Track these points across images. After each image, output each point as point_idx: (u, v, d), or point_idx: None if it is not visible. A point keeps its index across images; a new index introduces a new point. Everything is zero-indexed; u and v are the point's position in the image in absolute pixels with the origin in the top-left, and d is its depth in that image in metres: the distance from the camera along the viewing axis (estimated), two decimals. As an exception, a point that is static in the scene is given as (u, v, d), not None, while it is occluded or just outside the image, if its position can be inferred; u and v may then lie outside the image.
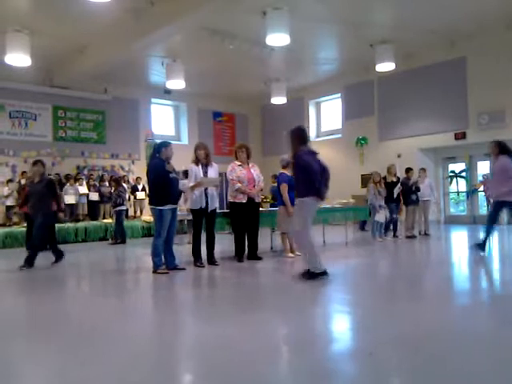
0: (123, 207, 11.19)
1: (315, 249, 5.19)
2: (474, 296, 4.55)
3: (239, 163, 6.96)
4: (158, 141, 7.42)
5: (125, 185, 13.27)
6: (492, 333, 3.16)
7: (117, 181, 11.67)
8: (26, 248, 9.06)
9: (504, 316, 3.62)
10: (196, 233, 6.61)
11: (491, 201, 7.41)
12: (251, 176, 6.94)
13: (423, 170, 11.01)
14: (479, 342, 2.96)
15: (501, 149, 6.81)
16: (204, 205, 6.46)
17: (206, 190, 6.46)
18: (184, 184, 6.69)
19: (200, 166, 6.52)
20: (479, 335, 3.09)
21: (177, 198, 6.26)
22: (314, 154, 5.40)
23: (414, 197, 10.14)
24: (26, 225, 10.31)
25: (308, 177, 5.14)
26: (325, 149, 17.25)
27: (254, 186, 6.93)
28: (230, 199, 6.95)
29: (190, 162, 6.66)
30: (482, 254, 6.88)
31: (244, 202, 6.81)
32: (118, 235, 11.07)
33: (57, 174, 13.88)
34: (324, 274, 5.13)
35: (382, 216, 9.44)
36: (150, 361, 2.77)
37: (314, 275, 5.11)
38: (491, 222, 6.90)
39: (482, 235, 7.12)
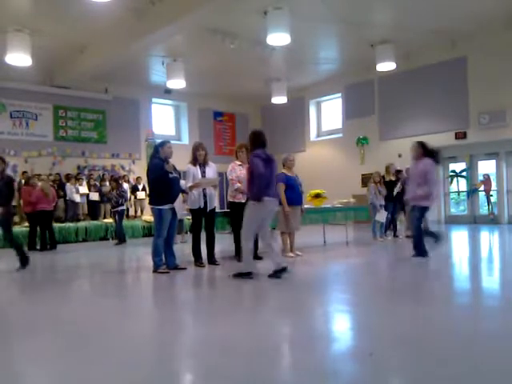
0: (124, 207, 11.28)
1: (250, 255, 5.43)
2: (474, 296, 4.55)
3: (239, 163, 6.97)
4: (159, 140, 7.43)
5: (125, 184, 13.29)
6: (494, 333, 3.15)
7: (116, 180, 11.68)
8: (28, 248, 9.08)
9: (506, 316, 3.62)
10: (196, 233, 6.62)
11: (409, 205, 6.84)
12: (251, 176, 6.95)
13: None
14: (480, 342, 2.96)
15: (425, 151, 6.44)
16: (203, 205, 6.47)
17: (204, 189, 6.46)
18: (183, 184, 6.69)
19: (198, 166, 6.53)
20: (480, 335, 3.09)
21: (177, 197, 6.26)
22: (267, 159, 5.35)
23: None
24: (27, 225, 10.33)
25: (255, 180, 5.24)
26: (325, 148, 17.35)
27: (254, 186, 6.94)
28: (230, 199, 6.96)
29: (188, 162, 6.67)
30: (423, 259, 6.53)
31: (243, 201, 6.81)
32: (121, 235, 11.11)
33: (57, 173, 13.89)
34: (250, 274, 5.36)
35: (382, 216, 9.45)
36: (150, 360, 2.78)
37: (241, 274, 5.35)
38: (418, 229, 6.54)
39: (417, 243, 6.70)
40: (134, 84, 15.76)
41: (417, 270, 6.29)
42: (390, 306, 4.02)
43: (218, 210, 6.95)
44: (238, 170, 6.88)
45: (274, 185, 5.50)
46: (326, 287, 5.03)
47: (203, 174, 6.50)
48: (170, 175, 5.99)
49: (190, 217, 9.78)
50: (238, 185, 6.78)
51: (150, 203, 6.16)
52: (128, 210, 13.11)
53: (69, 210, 12.93)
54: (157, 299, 4.93)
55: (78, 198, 12.86)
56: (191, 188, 6.41)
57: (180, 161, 6.71)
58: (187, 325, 3.74)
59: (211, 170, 6.62)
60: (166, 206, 5.98)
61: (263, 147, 5.46)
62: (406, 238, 9.79)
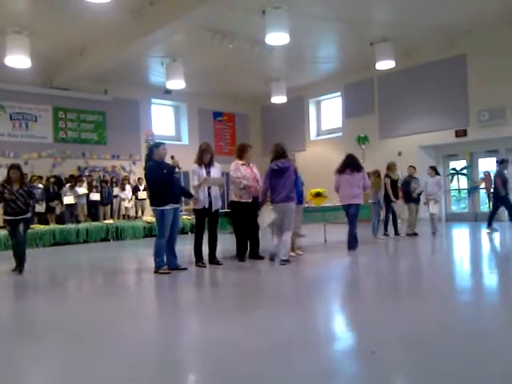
0: (30, 214, 6.97)
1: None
2: (476, 293, 4.54)
3: (242, 162, 6.95)
4: (158, 141, 7.43)
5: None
6: (495, 330, 3.15)
7: (19, 168, 6.89)
8: None
9: (507, 313, 3.62)
10: (198, 233, 6.61)
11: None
12: (254, 175, 6.95)
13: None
14: (482, 339, 2.95)
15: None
16: (207, 205, 6.47)
17: (209, 189, 6.47)
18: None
19: (203, 166, 6.54)
20: (482, 333, 3.08)
21: (178, 197, 6.26)
22: (278, 169, 6.41)
23: (414, 195, 10.16)
24: None
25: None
26: (325, 147, 17.32)
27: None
28: (235, 198, 6.87)
29: (190, 162, 6.66)
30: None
31: (250, 201, 6.79)
32: (23, 256, 6.80)
33: (54, 175, 13.80)
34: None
35: (383, 213, 9.46)
36: (152, 360, 2.77)
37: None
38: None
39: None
40: (133, 85, 15.74)
41: (417, 267, 6.29)
42: (391, 303, 4.02)
43: (220, 210, 6.92)
44: (242, 170, 6.85)
45: (286, 189, 6.38)
46: (328, 286, 5.02)
47: (208, 174, 6.51)
48: (167, 172, 5.95)
49: (190, 216, 9.79)
50: (246, 182, 6.75)
51: (152, 204, 6.15)
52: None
53: (65, 212, 12.79)
54: (158, 300, 4.92)
55: (70, 200, 12.71)
56: (198, 186, 6.39)
57: (180, 161, 6.68)
58: (188, 325, 3.74)
59: (216, 171, 6.63)
60: (168, 207, 5.97)
61: (278, 158, 6.45)
62: (407, 236, 9.80)
